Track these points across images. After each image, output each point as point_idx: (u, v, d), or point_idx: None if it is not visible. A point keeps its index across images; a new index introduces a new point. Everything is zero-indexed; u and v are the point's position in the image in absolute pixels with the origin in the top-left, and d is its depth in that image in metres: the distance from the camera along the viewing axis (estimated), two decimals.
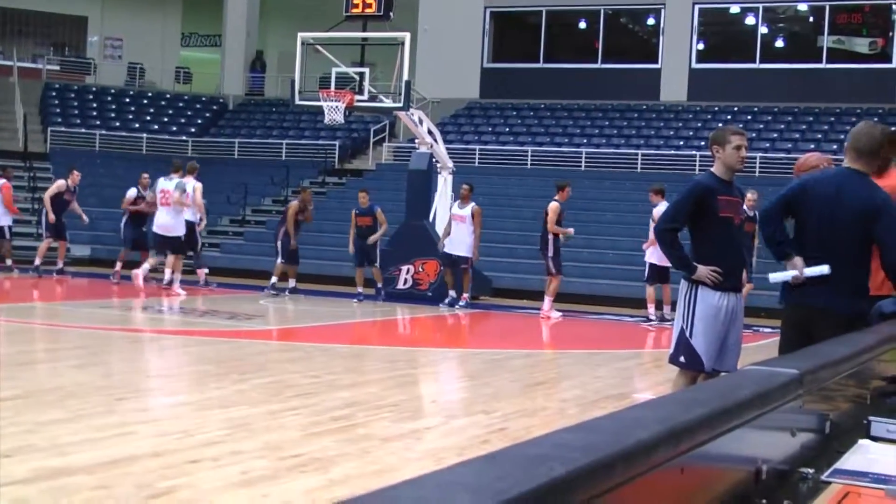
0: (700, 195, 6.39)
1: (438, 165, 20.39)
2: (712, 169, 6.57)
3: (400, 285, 19.42)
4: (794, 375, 2.47)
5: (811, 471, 2.44)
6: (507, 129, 29.61)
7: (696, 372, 6.47)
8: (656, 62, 29.78)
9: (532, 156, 27.44)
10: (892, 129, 6.50)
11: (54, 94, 32.58)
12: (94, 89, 33.66)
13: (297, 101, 20.63)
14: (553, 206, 16.46)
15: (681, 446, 1.77)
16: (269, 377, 9.10)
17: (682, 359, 6.46)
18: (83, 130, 30.59)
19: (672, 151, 26.80)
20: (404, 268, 19.41)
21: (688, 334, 6.39)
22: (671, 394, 2.46)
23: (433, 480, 1.33)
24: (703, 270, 6.31)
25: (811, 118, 26.94)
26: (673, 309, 13.89)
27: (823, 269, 5.41)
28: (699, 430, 1.86)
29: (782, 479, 2.37)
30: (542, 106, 30.34)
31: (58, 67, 34.94)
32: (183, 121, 32.87)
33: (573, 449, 1.52)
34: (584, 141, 28.17)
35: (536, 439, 1.63)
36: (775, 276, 5.77)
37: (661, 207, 12.69)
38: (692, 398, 2.08)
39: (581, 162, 27.01)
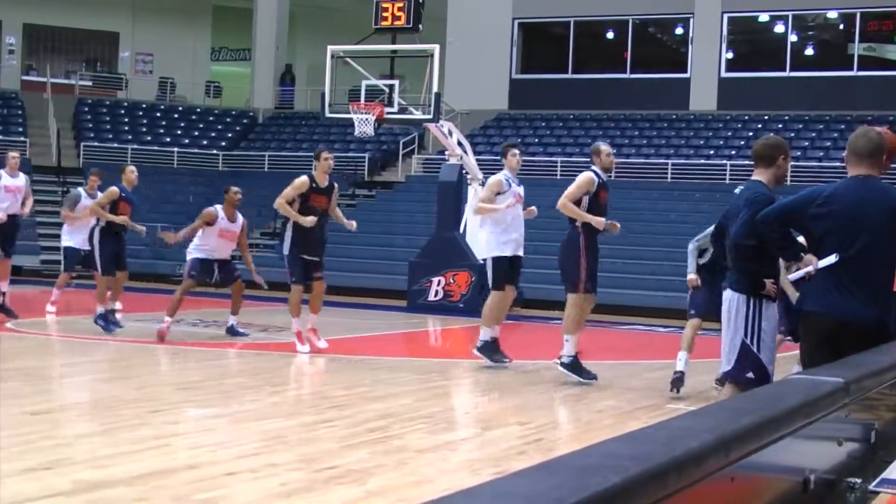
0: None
1: (468, 177, 20.41)
2: (763, 180, 6.27)
3: (431, 297, 19.43)
4: (839, 384, 2.46)
5: (858, 480, 2.43)
6: (537, 140, 29.59)
7: (754, 385, 6.31)
8: (685, 72, 29.69)
9: (562, 166, 27.40)
10: None
11: (87, 109, 32.84)
12: (125, 104, 33.91)
13: (327, 114, 20.70)
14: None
15: (731, 455, 1.76)
16: (304, 389, 9.13)
17: (750, 374, 6.23)
18: (115, 145, 30.81)
19: (702, 161, 26.70)
20: (435, 279, 19.41)
21: (755, 349, 6.21)
22: (717, 403, 2.46)
23: (489, 490, 1.33)
24: (769, 285, 6.20)
25: (843, 126, 26.77)
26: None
27: (831, 258, 5.39)
28: (748, 439, 1.86)
29: (830, 489, 2.36)
30: (571, 116, 30.30)
31: (90, 83, 35.25)
32: (213, 135, 33.06)
33: (625, 459, 1.51)
34: (614, 151, 28.06)
35: (586, 449, 1.63)
36: (793, 276, 5.75)
37: None
38: (739, 407, 2.08)
39: (611, 172, 26.93)
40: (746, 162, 21.83)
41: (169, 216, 27.64)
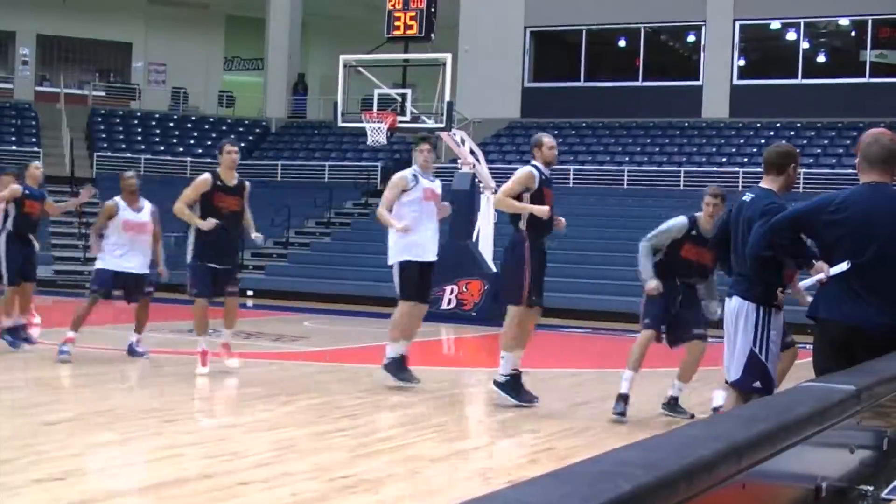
0: None
1: (481, 185, 20.43)
2: (773, 188, 6.26)
3: (444, 306, 19.43)
4: (851, 392, 2.46)
5: (870, 488, 2.42)
6: None
7: (762, 395, 6.28)
8: (697, 79, 29.68)
9: (574, 174, 27.40)
10: None
11: (100, 119, 32.98)
12: (138, 114, 34.06)
13: (340, 123, 20.76)
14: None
15: (742, 463, 1.77)
16: (317, 398, 9.12)
17: (757, 384, 6.16)
18: (128, 155, 30.94)
19: (714, 168, 26.67)
20: (448, 288, 19.41)
21: (763, 358, 6.19)
22: (729, 411, 2.45)
23: (501, 499, 1.34)
24: (780, 294, 6.18)
25: (855, 133, 26.68)
26: None
27: (843, 266, 5.37)
28: (759, 446, 1.86)
29: (842, 497, 2.35)
30: (584, 124, 30.30)
31: (103, 93, 35.44)
32: None
33: (636, 466, 1.52)
34: (626, 159, 28.10)
35: (598, 457, 1.63)
36: (805, 283, 5.73)
37: None
38: (750, 415, 2.08)
39: (623, 180, 26.94)
40: (758, 169, 21.80)
41: (181, 225, 27.73)
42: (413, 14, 19.90)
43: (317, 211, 27.98)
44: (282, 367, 11.72)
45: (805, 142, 26.96)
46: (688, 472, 1.58)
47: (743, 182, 24.51)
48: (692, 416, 8.86)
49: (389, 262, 10.28)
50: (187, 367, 10.76)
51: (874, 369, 3.07)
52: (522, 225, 8.99)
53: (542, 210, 8.83)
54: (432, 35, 20.02)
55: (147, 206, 11.57)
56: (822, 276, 5.48)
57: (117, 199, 11.46)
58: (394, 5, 20.09)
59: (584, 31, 31.04)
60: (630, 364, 8.78)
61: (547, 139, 9.30)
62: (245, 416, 8.17)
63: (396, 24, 20.04)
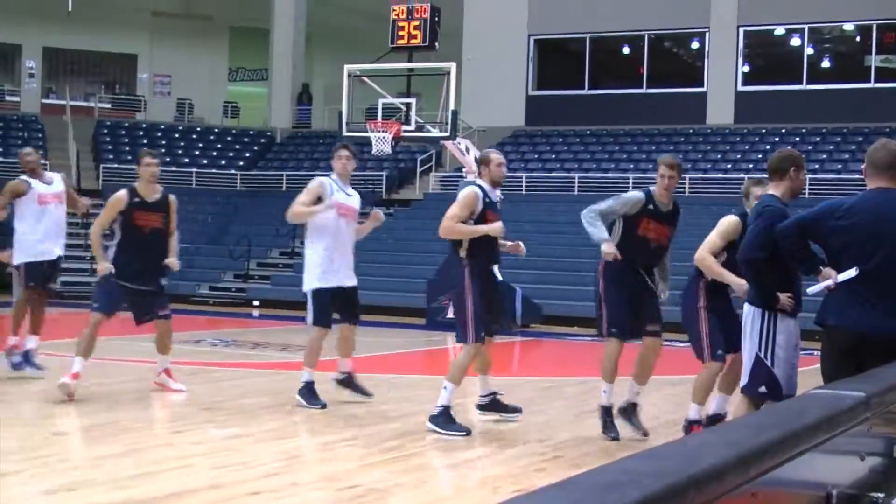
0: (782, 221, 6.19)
1: None
2: (777, 193, 6.22)
3: (450, 315, 19.41)
4: (860, 399, 2.45)
5: (881, 495, 2.41)
6: (554, 157, 29.59)
7: (770, 400, 6.27)
8: (702, 86, 29.67)
9: (579, 182, 27.40)
10: None
11: (106, 131, 33.05)
12: (144, 125, 34.13)
13: (345, 133, 20.78)
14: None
15: (751, 471, 1.76)
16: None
17: (762, 389, 6.17)
18: (134, 166, 30.87)
19: (720, 175, 26.66)
20: None
21: (769, 363, 6.17)
22: (738, 418, 2.45)
23: None
24: (783, 298, 6.15)
25: (860, 138, 26.70)
26: None
27: (851, 272, 5.37)
28: (768, 454, 1.85)
29: None
30: (588, 132, 30.31)
31: (109, 105, 35.56)
32: (231, 155, 33.19)
33: (644, 475, 1.51)
34: (631, 166, 28.08)
35: (606, 466, 1.63)
36: (813, 289, 5.72)
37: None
38: (759, 422, 2.07)
39: (628, 187, 26.93)
40: (764, 176, 21.75)
41: (187, 236, 27.75)
42: (417, 23, 19.93)
43: None
44: (288, 376, 11.70)
45: (810, 147, 26.93)
46: (697, 481, 1.57)
47: None
48: (646, 434, 8.28)
49: (304, 290, 9.47)
50: (194, 377, 10.78)
51: (883, 376, 3.06)
52: (463, 252, 8.16)
53: (496, 228, 8.08)
54: (436, 44, 20.06)
55: (56, 177, 10.72)
56: (830, 282, 5.47)
57: (24, 176, 10.46)
58: (398, 15, 20.13)
59: (587, 39, 31.05)
60: (607, 377, 8.22)
61: (495, 155, 8.50)
62: (253, 426, 8.17)
63: (400, 33, 20.09)
